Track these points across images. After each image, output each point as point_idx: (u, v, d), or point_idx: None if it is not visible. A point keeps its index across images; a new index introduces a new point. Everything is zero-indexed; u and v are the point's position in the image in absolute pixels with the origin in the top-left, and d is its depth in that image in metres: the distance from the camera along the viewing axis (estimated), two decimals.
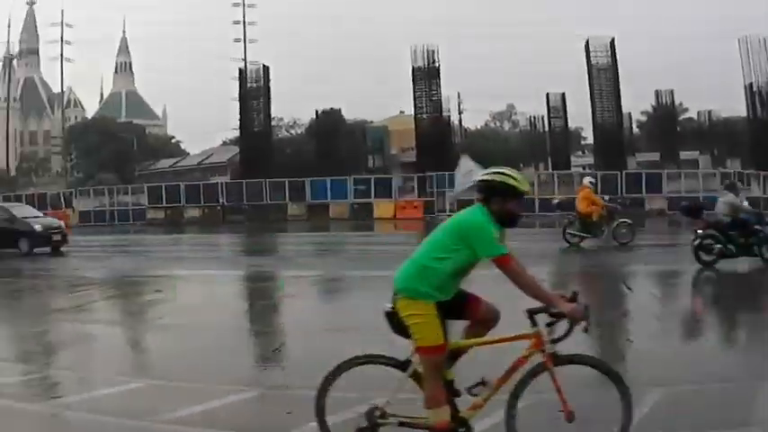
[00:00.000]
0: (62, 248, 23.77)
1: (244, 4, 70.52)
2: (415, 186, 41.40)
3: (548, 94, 53.97)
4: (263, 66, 52.80)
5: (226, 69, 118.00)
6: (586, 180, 20.26)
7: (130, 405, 6.36)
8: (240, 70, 55.03)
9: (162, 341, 9.68)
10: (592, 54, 44.52)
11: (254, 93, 51.92)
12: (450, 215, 6.22)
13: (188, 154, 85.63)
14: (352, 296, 13.56)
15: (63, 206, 49.24)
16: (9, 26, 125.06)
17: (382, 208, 39.94)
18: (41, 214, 27.07)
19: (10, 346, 9.80)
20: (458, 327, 4.60)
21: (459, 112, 68.81)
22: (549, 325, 4.37)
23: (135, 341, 10.21)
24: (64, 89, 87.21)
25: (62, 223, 25.91)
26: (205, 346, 8.84)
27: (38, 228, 23.60)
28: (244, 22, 70.19)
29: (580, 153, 72.92)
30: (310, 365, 7.09)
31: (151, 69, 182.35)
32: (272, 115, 55.86)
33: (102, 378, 7.35)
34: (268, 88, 51.78)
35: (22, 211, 25.93)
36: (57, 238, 23.67)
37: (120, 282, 16.97)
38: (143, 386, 6.97)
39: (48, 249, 23.31)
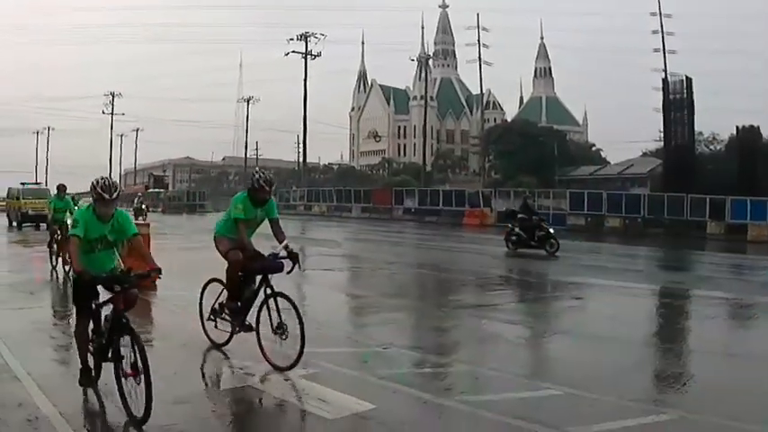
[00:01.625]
0: None
1: (660, 14, 72.71)
2: None
3: None
4: (686, 77, 55.34)
5: (646, 79, 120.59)
6: None
7: (544, 412, 6.81)
8: (663, 81, 58.13)
9: (575, 350, 10.17)
10: None
11: (676, 105, 54.71)
12: None
13: (608, 163, 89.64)
14: (765, 323, 13.53)
15: (481, 205, 54.78)
16: (423, 28, 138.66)
17: None
18: None
19: (419, 337, 11.12)
20: None
21: None
22: None
23: (546, 346, 10.82)
24: (483, 91, 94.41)
25: None
26: (616, 360, 9.34)
27: None
28: (662, 32, 72.19)
29: None
30: (722, 392, 7.78)
31: (570, 75, 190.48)
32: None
33: (514, 380, 8.05)
34: (691, 101, 54.38)
35: None
36: None
37: (537, 285, 18.45)
38: (560, 394, 7.40)
39: None
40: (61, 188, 19.62)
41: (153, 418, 6.51)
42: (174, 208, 76.58)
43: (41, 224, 39.14)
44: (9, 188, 45.81)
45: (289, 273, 8.57)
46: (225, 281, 9.02)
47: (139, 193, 66.00)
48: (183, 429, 6.33)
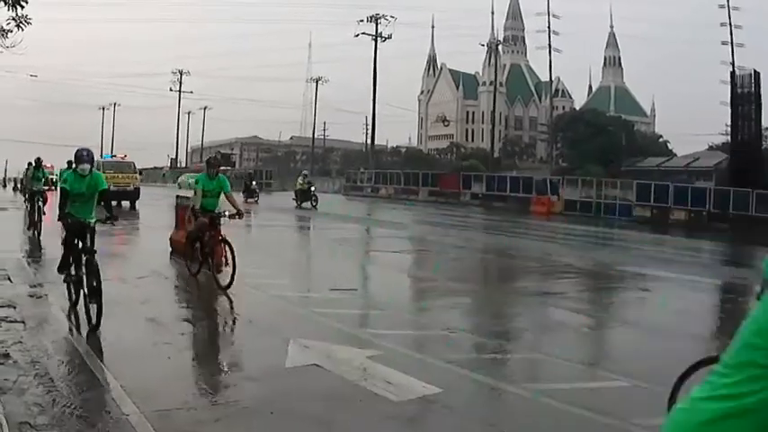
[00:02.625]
0: None
1: (729, 6, 70.04)
2: None
3: None
4: (754, 71, 53.21)
5: (715, 72, 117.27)
6: None
7: (608, 403, 6.62)
8: (731, 74, 56.06)
9: (641, 341, 9.89)
10: None
11: (743, 99, 52.75)
12: None
13: (674, 155, 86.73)
14: None
15: (548, 192, 53.68)
16: (493, 13, 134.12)
17: None
18: None
19: (485, 323, 10.92)
20: None
21: None
22: None
23: (611, 336, 10.63)
24: (552, 78, 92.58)
25: None
26: (681, 354, 8.47)
27: None
28: (730, 25, 69.82)
29: None
30: None
31: (639, 65, 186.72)
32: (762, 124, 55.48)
33: (579, 369, 7.87)
34: (759, 96, 52.32)
35: None
36: None
37: (603, 275, 17.78)
38: (625, 385, 7.20)
39: None
40: (213, 163, 13.21)
41: (219, 394, 6.51)
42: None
43: (123, 202, 37.41)
44: None
45: None
46: None
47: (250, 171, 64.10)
48: (247, 406, 6.26)
